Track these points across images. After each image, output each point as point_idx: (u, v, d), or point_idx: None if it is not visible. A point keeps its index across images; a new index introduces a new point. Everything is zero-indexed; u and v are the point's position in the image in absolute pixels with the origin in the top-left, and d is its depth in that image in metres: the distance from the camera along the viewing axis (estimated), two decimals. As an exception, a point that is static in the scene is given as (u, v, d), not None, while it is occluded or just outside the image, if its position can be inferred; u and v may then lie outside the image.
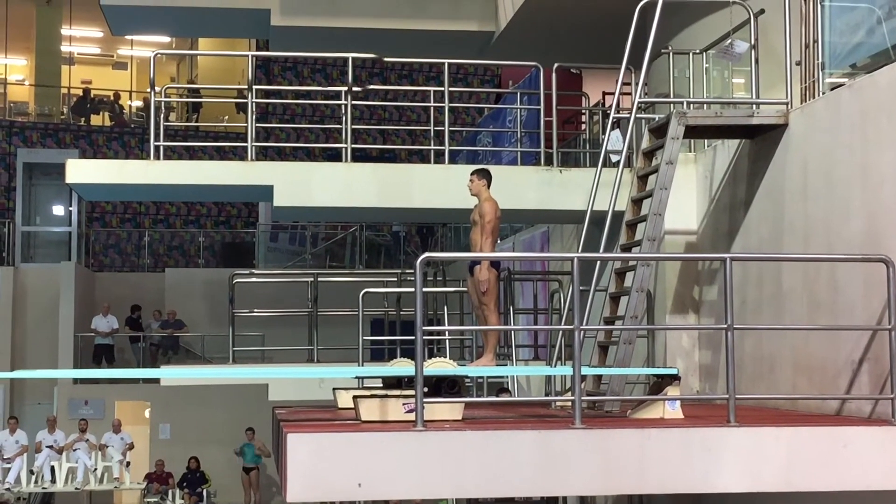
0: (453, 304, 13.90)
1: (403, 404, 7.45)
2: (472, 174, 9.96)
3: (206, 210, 30.03)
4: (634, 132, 10.38)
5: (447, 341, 12.99)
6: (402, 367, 9.15)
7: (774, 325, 9.33)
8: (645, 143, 10.03)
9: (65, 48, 31.28)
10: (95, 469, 20.79)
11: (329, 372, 11.25)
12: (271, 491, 22.82)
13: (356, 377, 10.28)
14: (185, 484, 22.12)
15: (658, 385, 8.24)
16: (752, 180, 10.00)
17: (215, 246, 28.45)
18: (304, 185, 11.47)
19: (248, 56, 12.71)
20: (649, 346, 10.73)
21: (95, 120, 30.56)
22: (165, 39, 28.10)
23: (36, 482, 20.61)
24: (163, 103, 11.83)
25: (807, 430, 7.36)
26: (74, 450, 20.91)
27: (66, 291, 23.61)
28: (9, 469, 20.54)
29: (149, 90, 11.90)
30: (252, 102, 11.70)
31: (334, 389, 9.60)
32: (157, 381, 19.53)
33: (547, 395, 10.44)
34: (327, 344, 14.12)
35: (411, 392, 7.23)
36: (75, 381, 23.37)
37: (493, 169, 10.59)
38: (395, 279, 15.23)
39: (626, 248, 9.65)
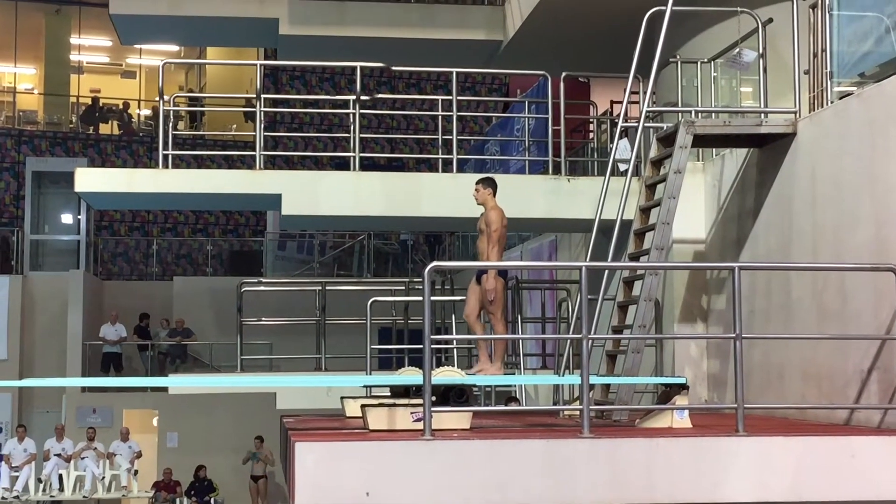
0: (461, 313, 13.88)
1: (412, 413, 7.45)
2: (477, 183, 9.93)
3: (214, 218, 30.07)
4: (642, 141, 10.38)
5: (455, 350, 13.00)
6: (410, 375, 9.15)
7: (783, 334, 9.31)
8: (653, 152, 10.03)
9: (74, 57, 31.36)
10: (103, 477, 20.80)
11: (337, 381, 11.25)
12: (279, 500, 22.81)
13: (364, 386, 10.27)
14: (192, 492, 22.12)
15: (666, 394, 8.23)
16: (760, 189, 9.99)
17: (223, 254, 28.48)
18: (312, 193, 11.49)
19: (256, 65, 12.74)
20: (657, 356, 10.72)
21: (104, 129, 30.63)
22: (174, 48, 28.18)
23: (44, 490, 20.62)
24: (171, 112, 11.86)
25: (816, 439, 7.34)
26: (82, 458, 20.92)
27: (75, 300, 23.64)
28: (17, 477, 20.56)
29: (157, 99, 11.94)
30: (260, 111, 11.73)
31: (342, 398, 9.60)
32: (165, 389, 19.54)
33: (555, 403, 10.43)
34: (335, 352, 14.13)
35: (419, 401, 7.22)
36: (83, 389, 23.37)
37: (500, 178, 10.61)
38: (403, 288, 15.23)
39: (635, 257, 9.64)
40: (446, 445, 6.83)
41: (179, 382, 15.87)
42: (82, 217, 25.55)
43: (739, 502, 7.10)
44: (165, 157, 11.35)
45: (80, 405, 23.23)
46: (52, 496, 20.74)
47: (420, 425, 7.00)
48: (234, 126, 29.32)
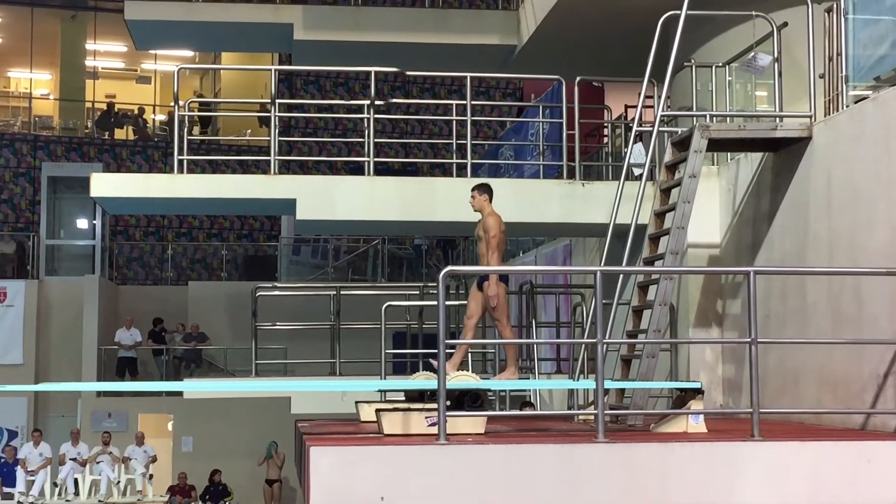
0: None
1: (426, 418, 7.45)
2: (472, 190, 9.76)
3: (228, 223, 30.14)
4: (657, 145, 10.37)
5: (469, 355, 12.98)
6: (424, 380, 9.14)
7: (798, 338, 9.28)
8: (668, 157, 10.01)
9: (89, 63, 31.47)
10: (119, 482, 20.85)
11: (352, 385, 11.24)
12: (293, 504, 22.85)
13: (379, 390, 10.27)
14: (207, 497, 22.16)
15: (681, 399, 8.21)
16: (775, 193, 9.97)
17: (238, 259, 28.54)
18: (326, 198, 11.51)
19: (271, 70, 12.76)
20: (672, 360, 10.69)
21: (119, 134, 30.72)
22: (189, 54, 28.25)
23: (60, 495, 20.68)
24: (186, 117, 11.89)
25: (831, 444, 7.32)
26: (98, 462, 20.97)
27: (90, 304, 23.72)
28: (33, 481, 20.62)
29: (172, 104, 11.97)
30: (275, 116, 11.75)
31: (357, 403, 9.61)
32: (180, 394, 19.58)
33: (569, 408, 10.41)
34: (349, 357, 14.14)
35: (434, 405, 7.23)
36: (99, 393, 23.46)
37: (515, 183, 10.63)
38: (418, 292, 15.23)
39: (649, 262, 9.62)
40: (461, 450, 6.83)
41: (195, 387, 15.90)
42: (97, 222, 25.64)
43: (755, 507, 7.08)
44: (180, 162, 11.38)
45: (95, 410, 23.32)
46: (67, 500, 20.78)
47: (435, 430, 7.00)
48: (249, 131, 29.38)
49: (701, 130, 9.46)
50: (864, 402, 8.20)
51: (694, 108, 11.31)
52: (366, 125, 11.84)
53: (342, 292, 14.83)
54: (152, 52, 29.13)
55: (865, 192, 8.42)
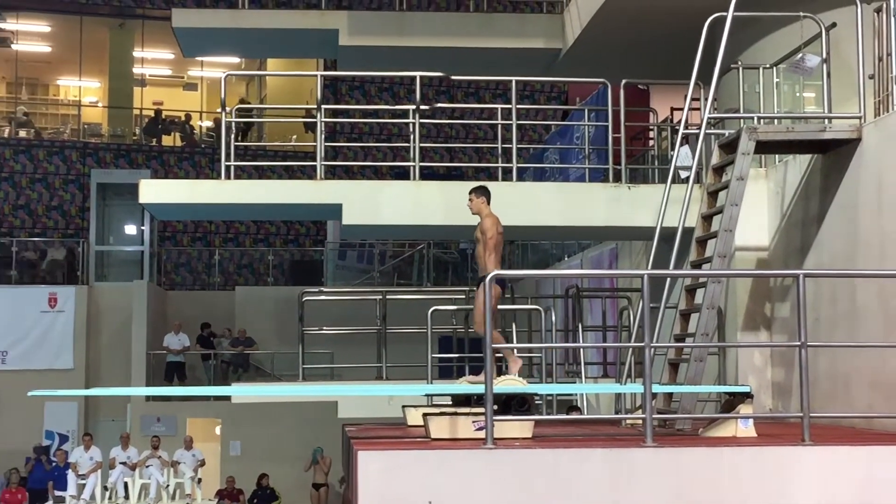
0: (522, 322, 13.87)
1: (473, 422, 7.45)
2: (470, 193, 9.51)
3: (275, 228, 30.31)
4: (704, 148, 10.30)
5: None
6: (471, 384, 9.13)
7: (849, 342, 9.18)
8: (715, 159, 9.95)
9: (137, 70, 31.80)
10: (168, 485, 21.02)
11: (399, 389, 11.26)
12: (340, 508, 22.92)
13: (426, 395, 10.28)
14: (255, 500, 22.28)
15: (730, 403, 8.16)
16: (824, 195, 9.87)
17: (284, 264, 28.69)
18: (372, 203, 11.54)
19: (316, 76, 12.82)
20: (720, 364, 10.62)
21: (167, 140, 31.00)
22: (235, 60, 28.46)
23: (110, 498, 20.87)
24: (233, 124, 11.98)
25: (882, 449, 7.23)
26: (147, 466, 21.15)
27: (139, 310, 23.93)
28: (84, 485, 20.82)
29: (218, 110, 12.06)
30: (321, 121, 11.80)
31: (404, 407, 9.62)
32: (227, 398, 19.69)
33: (617, 412, 10.37)
34: (396, 361, 14.16)
35: (481, 410, 7.22)
36: (148, 398, 23.65)
37: (560, 186, 10.60)
38: (464, 297, 15.23)
39: (697, 265, 9.57)
40: (509, 454, 6.82)
41: (243, 391, 15.99)
42: (146, 228, 25.88)
43: (806, 512, 7.01)
44: (227, 167, 11.46)
45: (144, 414, 23.52)
46: (117, 504, 21.03)
47: (482, 434, 7.00)
48: (294, 137, 29.55)
49: (749, 132, 9.40)
50: (917, 406, 8.10)
51: (741, 110, 11.23)
52: (411, 130, 11.87)
53: (388, 297, 14.86)
54: (199, 59, 29.36)
55: (917, 193, 8.33)
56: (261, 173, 24.65)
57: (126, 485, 20.83)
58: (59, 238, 27.89)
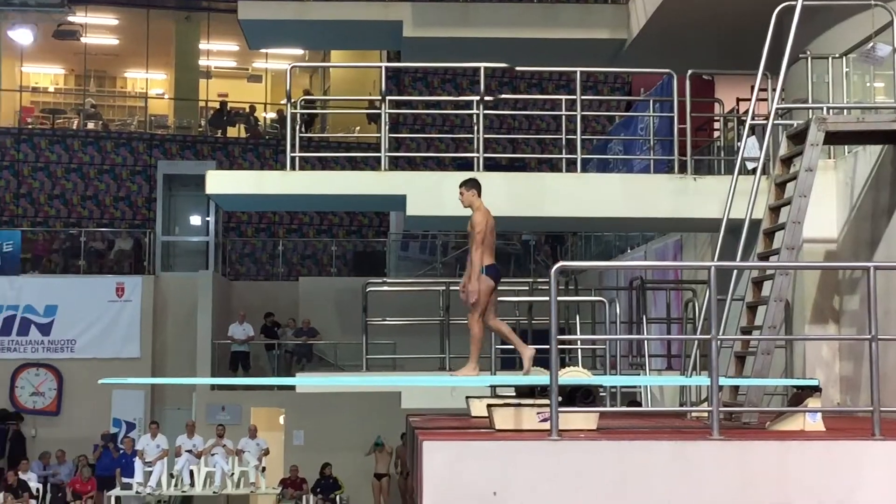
0: (585, 313, 13.82)
1: (538, 413, 7.45)
2: (460, 186, 9.30)
3: (338, 219, 30.45)
4: (771, 139, 10.19)
5: (579, 350, 12.94)
6: (535, 376, 9.13)
7: (920, 336, 9.03)
8: (783, 150, 9.84)
9: (202, 62, 32.10)
10: (232, 473, 21.24)
11: (464, 380, 11.27)
12: (400, 499, 23.00)
13: (490, 386, 10.29)
14: (318, 490, 22.43)
15: (798, 396, 8.07)
16: (895, 187, 9.72)
17: (347, 255, 28.83)
18: (436, 194, 11.55)
19: (380, 67, 12.85)
20: (787, 357, 10.51)
21: (231, 132, 31.28)
22: (298, 52, 28.62)
23: (176, 485, 21.15)
24: (298, 115, 12.05)
25: (956, 444, 7.11)
26: (212, 454, 21.38)
27: (204, 300, 24.19)
28: (150, 472, 21.11)
29: (282, 102, 12.14)
30: (385, 113, 11.84)
31: (467, 398, 9.64)
32: (291, 388, 19.85)
33: (681, 405, 10.30)
34: (459, 352, 14.17)
35: (546, 401, 7.21)
36: (213, 387, 23.91)
37: (625, 178, 10.55)
38: (527, 288, 15.21)
39: (764, 257, 9.47)
40: (574, 446, 6.80)
41: (306, 381, 16.12)
42: (211, 219, 26.15)
43: (875, 508, 6.92)
44: (293, 159, 11.54)
45: (209, 403, 23.78)
46: (183, 491, 21.27)
47: (546, 425, 6.99)
48: (358, 128, 29.66)
49: (818, 123, 9.28)
50: None
51: (810, 101, 11.09)
52: (475, 121, 11.86)
53: (451, 287, 14.86)
54: (263, 51, 29.59)
55: None
56: (324, 164, 24.79)
57: (192, 472, 21.09)
58: (126, 228, 28.27)
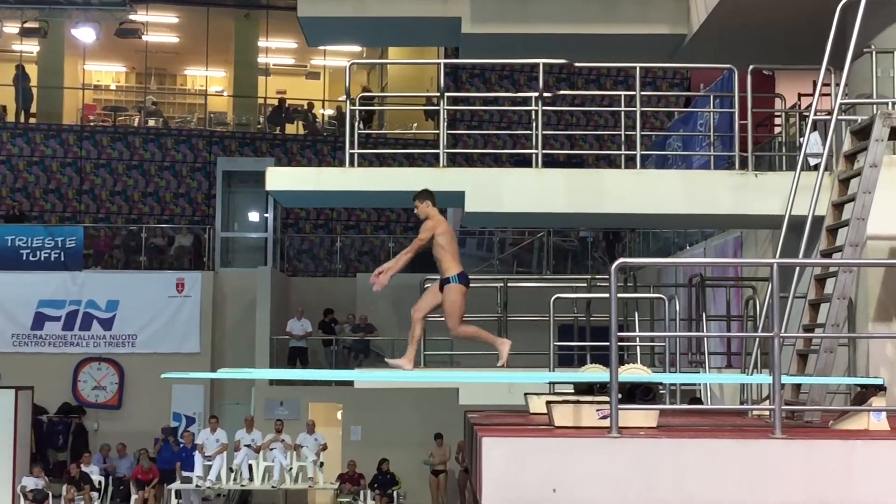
0: (644, 310, 13.75)
1: (597, 410, 7.42)
2: (414, 199, 9.53)
3: (395, 216, 30.54)
4: (835, 135, 10.06)
5: (638, 348, 12.87)
6: (594, 373, 9.10)
7: None
8: (847, 146, 9.71)
9: (261, 60, 32.35)
10: (291, 468, 21.40)
11: (521, 377, 11.28)
12: (458, 496, 23.01)
13: (549, 382, 10.27)
14: (375, 485, 22.53)
15: (862, 395, 7.96)
16: (962, 183, 9.57)
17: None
18: (494, 190, 11.55)
19: (439, 64, 12.85)
20: (850, 355, 10.37)
21: (290, 129, 31.48)
22: (356, 49, 28.73)
23: (235, 480, 21.35)
24: (357, 112, 12.08)
25: None
26: (271, 449, 21.56)
27: (263, 295, 24.37)
28: (210, 466, 21.33)
29: (340, 98, 12.20)
30: (444, 109, 11.84)
31: (526, 395, 9.63)
32: (349, 383, 19.94)
33: (742, 403, 10.21)
34: (516, 350, 14.11)
35: (605, 398, 7.19)
36: (271, 382, 24.09)
37: (684, 174, 10.48)
38: (585, 285, 15.16)
39: (827, 254, 9.36)
40: (634, 443, 6.77)
41: (364, 377, 16.18)
42: (269, 215, 26.32)
43: (942, 509, 6.82)
44: (351, 155, 11.58)
45: (268, 398, 23.96)
46: (242, 485, 21.48)
47: (606, 423, 6.96)
48: (415, 124, 29.71)
49: (883, 118, 9.15)
50: None
51: (874, 96, 10.93)
52: (533, 117, 11.83)
53: (509, 284, 14.86)
54: (321, 48, 29.73)
55: None
56: (381, 161, 24.86)
57: (250, 467, 21.28)
58: (186, 225, 28.55)
